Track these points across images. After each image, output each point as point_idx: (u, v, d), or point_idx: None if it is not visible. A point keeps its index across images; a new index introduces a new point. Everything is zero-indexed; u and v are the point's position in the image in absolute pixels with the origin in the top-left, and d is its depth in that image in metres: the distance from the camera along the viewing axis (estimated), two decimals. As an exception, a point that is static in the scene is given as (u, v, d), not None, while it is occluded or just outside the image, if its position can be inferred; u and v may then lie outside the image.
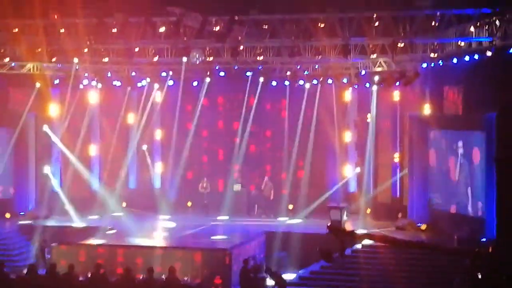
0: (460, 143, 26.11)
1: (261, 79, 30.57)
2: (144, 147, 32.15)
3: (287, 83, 30.82)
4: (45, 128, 30.20)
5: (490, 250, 21.48)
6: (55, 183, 30.55)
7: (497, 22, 23.21)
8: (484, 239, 23.30)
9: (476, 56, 24.36)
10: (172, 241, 26.09)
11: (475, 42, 24.10)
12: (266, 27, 25.14)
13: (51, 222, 28.52)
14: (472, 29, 23.90)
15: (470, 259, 20.00)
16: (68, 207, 29.26)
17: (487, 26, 23.49)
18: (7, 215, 28.86)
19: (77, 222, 28.33)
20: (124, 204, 31.19)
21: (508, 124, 23.07)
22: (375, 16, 24.36)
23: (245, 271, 22.08)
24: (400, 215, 28.29)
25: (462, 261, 20.63)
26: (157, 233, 27.46)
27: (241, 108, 31.47)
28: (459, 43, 24.59)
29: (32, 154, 30.24)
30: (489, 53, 23.58)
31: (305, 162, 30.99)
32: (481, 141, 24.59)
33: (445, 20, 24.08)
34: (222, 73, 30.11)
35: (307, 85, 30.61)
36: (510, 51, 23.21)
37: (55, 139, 30.32)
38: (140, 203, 31.36)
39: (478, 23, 23.70)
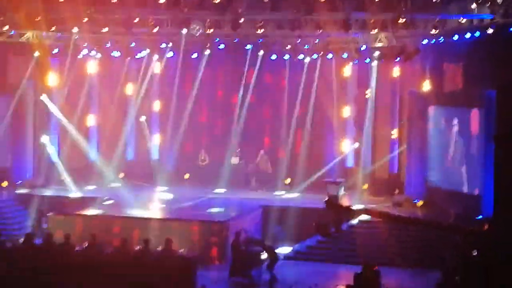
0: (455, 121, 26.13)
1: (261, 52, 30.40)
2: (143, 118, 32.11)
3: (287, 57, 30.70)
4: (43, 97, 30.09)
5: (486, 227, 21.56)
6: (52, 152, 30.56)
7: (499, 0, 23.18)
8: (480, 217, 23.39)
9: (477, 33, 24.32)
10: (169, 212, 26.20)
11: (476, 19, 24.08)
12: (267, 0, 25.02)
13: (48, 192, 28.63)
14: (473, 6, 23.85)
15: (462, 236, 20.14)
16: (66, 177, 29.29)
17: (488, 3, 23.43)
18: (4, 184, 28.86)
19: (74, 192, 28.38)
20: (122, 175, 31.25)
21: (508, 102, 23.05)
22: (376, -10, 24.29)
23: (236, 244, 22.17)
24: (397, 191, 28.38)
25: (454, 237, 20.78)
26: (154, 205, 27.58)
27: (241, 81, 31.39)
28: (460, 19, 24.54)
29: (30, 123, 30.20)
30: (490, 31, 23.56)
31: (304, 136, 31.00)
32: (480, 118, 24.61)
33: (447, -4, 24.05)
34: (222, 46, 29.95)
35: (307, 60, 30.52)
36: (510, 29, 23.17)
37: (53, 108, 30.26)
38: (138, 174, 31.44)
39: (480, 0, 23.65)
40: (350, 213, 21.77)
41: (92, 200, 27.17)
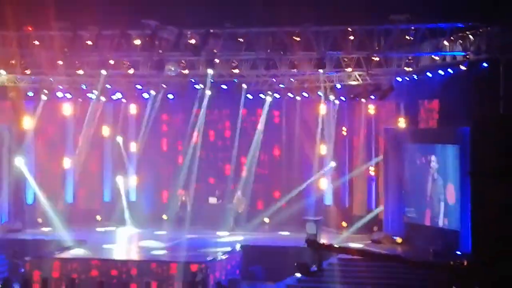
0: (433, 157, 26.29)
1: (237, 92, 30.52)
2: (119, 139, 32.00)
3: (262, 96, 30.89)
4: (19, 140, 30.02)
5: (465, 263, 21.62)
6: (29, 195, 30.42)
7: (471, 37, 23.50)
8: (459, 253, 23.43)
9: (450, 70, 24.59)
10: (147, 254, 26.01)
11: (449, 56, 24.34)
12: (242, 40, 25.16)
13: (25, 235, 28.38)
14: (446, 43, 24.15)
15: (446, 272, 20.16)
16: (42, 219, 29.13)
17: (460, 40, 23.76)
18: (-20, 229, 28.65)
19: (52, 235, 28.05)
20: (98, 218, 31.10)
21: (482, 138, 23.22)
22: (350, 30, 24.50)
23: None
24: (375, 228, 28.42)
25: (439, 274, 20.75)
26: (132, 246, 27.42)
27: (217, 121, 31.48)
28: (433, 57, 24.81)
29: (5, 166, 29.94)
30: (463, 67, 23.83)
31: (282, 175, 31.07)
32: (456, 154, 24.79)
33: (419, 34, 24.24)
34: (198, 86, 30.04)
35: (283, 98, 30.70)
36: (484, 65, 23.47)
37: (29, 151, 30.18)
38: (115, 216, 31.28)
39: (452, 37, 23.95)
40: (330, 251, 21.73)
41: (69, 243, 26.94)
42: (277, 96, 30.78)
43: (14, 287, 21.16)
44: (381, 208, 28.80)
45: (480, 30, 23.26)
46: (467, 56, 23.53)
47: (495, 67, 23.55)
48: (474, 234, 22.83)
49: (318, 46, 24.74)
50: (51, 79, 28.86)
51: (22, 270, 24.31)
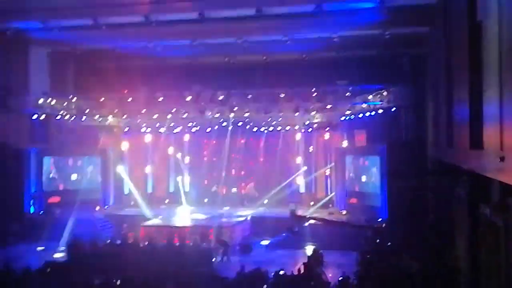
0: (366, 162, 26.43)
1: (247, 127, 30.64)
2: (179, 154, 31.85)
3: (262, 129, 31.00)
4: (119, 157, 30.23)
5: (383, 225, 21.74)
6: (125, 188, 30.59)
7: (384, 93, 23.76)
8: (380, 220, 23.56)
9: (373, 113, 24.81)
10: (195, 221, 26.07)
11: (372, 104, 24.58)
12: (250, 97, 25.48)
13: (123, 212, 28.47)
14: (370, 97, 24.40)
15: (371, 231, 20.31)
16: (141, 203, 29.04)
17: (379, 95, 24.01)
18: (97, 208, 28.76)
19: (148, 212, 27.55)
20: (166, 201, 31.19)
21: (393, 152, 23.50)
22: (313, 90, 24.78)
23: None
24: (330, 205, 28.47)
25: (368, 232, 20.86)
26: (186, 217, 27.49)
27: (235, 144, 31.61)
28: (363, 105, 25.04)
29: (111, 172, 30.18)
30: (380, 111, 24.07)
31: (275, 175, 31.16)
32: (378, 161, 24.96)
33: (355, 92, 24.55)
34: (224, 124, 30.16)
35: (275, 130, 30.86)
36: (392, 110, 23.72)
37: (125, 162, 30.37)
38: (176, 200, 31.36)
39: (374, 93, 24.21)
40: (304, 219, 21.89)
41: (149, 216, 26.97)
42: (271, 129, 30.86)
43: (117, 241, 21.24)
44: (333, 194, 28.93)
45: (390, 89, 23.52)
46: (383, 104, 23.75)
47: (399, 111, 23.83)
48: (388, 210, 23.03)
49: (296, 100, 24.98)
50: (138, 120, 29.11)
51: (122, 232, 24.41)
